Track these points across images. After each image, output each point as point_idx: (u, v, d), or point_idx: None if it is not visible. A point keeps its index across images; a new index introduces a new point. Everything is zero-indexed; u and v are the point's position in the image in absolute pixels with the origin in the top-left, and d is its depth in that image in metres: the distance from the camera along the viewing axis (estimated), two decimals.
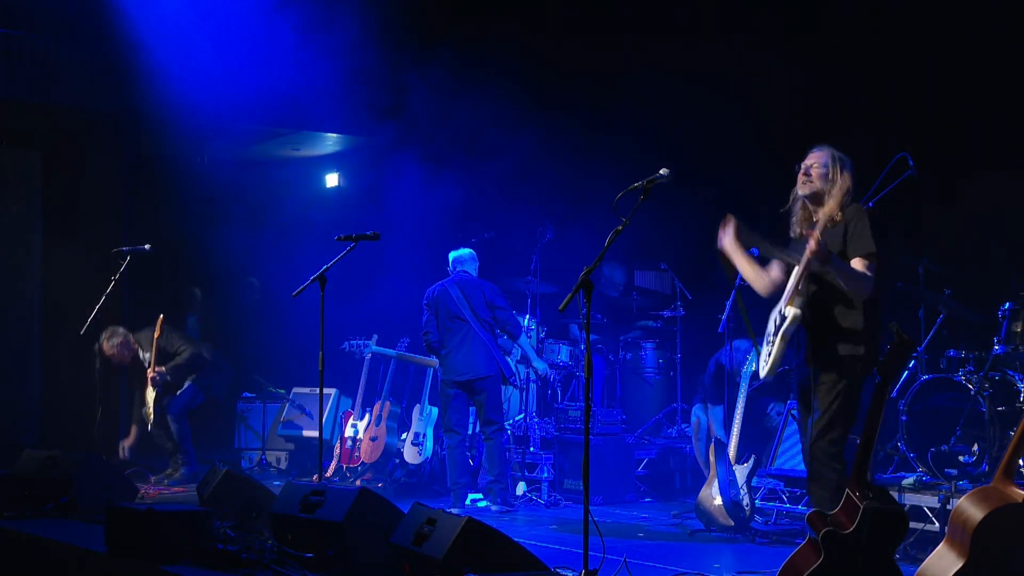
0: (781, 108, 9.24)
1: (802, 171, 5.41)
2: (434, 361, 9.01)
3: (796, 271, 5.29)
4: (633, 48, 9.99)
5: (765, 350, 5.40)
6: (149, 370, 9.21)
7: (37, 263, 11.02)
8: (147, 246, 8.91)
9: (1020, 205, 7.79)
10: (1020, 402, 6.48)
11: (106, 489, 6.98)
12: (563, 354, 9.44)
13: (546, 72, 10.15)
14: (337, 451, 9.73)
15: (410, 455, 9.28)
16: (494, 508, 8.16)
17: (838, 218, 5.29)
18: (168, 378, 9.21)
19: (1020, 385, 6.52)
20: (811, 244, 5.06)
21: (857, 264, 5.20)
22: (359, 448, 9.55)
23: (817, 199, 5.39)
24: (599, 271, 5.30)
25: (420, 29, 10.21)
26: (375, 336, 9.89)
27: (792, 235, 5.51)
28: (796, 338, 5.36)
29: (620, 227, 4.87)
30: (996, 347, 6.72)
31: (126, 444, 9.53)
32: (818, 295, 5.27)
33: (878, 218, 5.71)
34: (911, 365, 7.26)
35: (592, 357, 6.98)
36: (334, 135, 11.46)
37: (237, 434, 10.73)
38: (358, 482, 9.36)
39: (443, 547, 4.69)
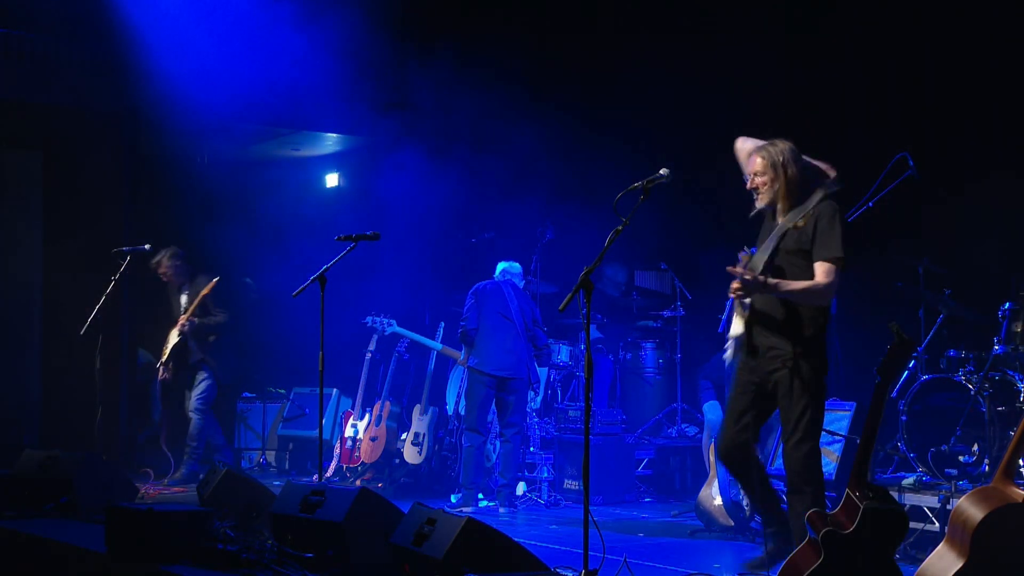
0: (782, 108, 9.24)
1: (748, 184, 5.37)
2: (456, 352, 9.02)
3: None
4: (633, 48, 9.99)
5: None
6: (183, 316, 9.25)
7: (37, 263, 11.00)
8: (147, 246, 8.92)
9: (1020, 205, 7.79)
10: (1020, 402, 6.47)
11: (106, 489, 6.98)
12: (563, 354, 9.45)
13: (546, 72, 10.15)
14: (337, 451, 9.73)
15: (410, 455, 9.28)
16: (502, 510, 8.17)
17: (801, 223, 5.19)
18: (194, 327, 9.25)
19: (1020, 385, 6.52)
20: (734, 285, 5.07)
21: (818, 269, 5.11)
22: (359, 448, 9.55)
23: (773, 206, 5.35)
24: (602, 271, 5.32)
25: (420, 29, 10.21)
26: (376, 336, 9.89)
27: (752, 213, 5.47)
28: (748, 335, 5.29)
29: (620, 227, 4.88)
30: (996, 347, 6.71)
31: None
32: (770, 300, 5.19)
33: (876, 215, 5.69)
34: (911, 365, 7.26)
35: (594, 357, 6.99)
36: (334, 135, 11.45)
37: (237, 434, 10.73)
38: (358, 482, 9.36)
39: (443, 547, 4.69)
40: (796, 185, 5.29)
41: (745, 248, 5.40)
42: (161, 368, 9.49)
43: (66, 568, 5.88)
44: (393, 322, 9.48)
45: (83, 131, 10.67)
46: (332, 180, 12.52)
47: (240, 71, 9.46)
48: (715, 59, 9.49)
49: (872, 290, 8.34)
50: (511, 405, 8.32)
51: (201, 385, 9.40)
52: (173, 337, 9.38)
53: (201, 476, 7.32)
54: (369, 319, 9.55)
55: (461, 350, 8.68)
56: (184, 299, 9.46)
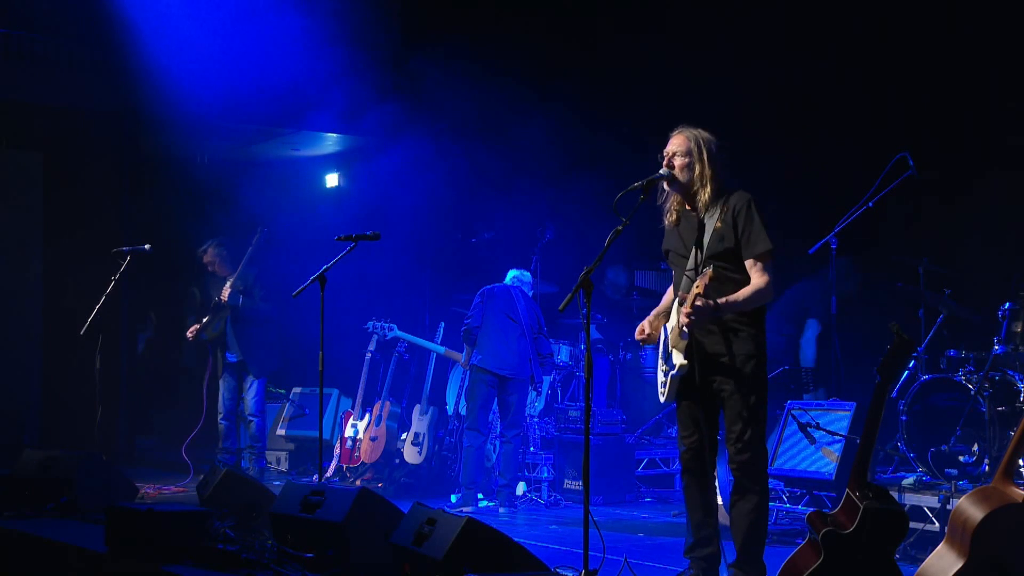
0: (782, 107, 9.25)
1: (664, 162, 5.15)
2: (458, 355, 9.04)
3: (675, 318, 5.05)
4: (635, 47, 9.99)
5: (660, 377, 5.21)
6: (226, 287, 9.29)
7: (37, 263, 11.02)
8: (147, 246, 8.91)
9: (1020, 205, 7.79)
10: (1020, 402, 6.47)
11: (106, 489, 6.99)
12: (563, 354, 9.44)
13: (547, 72, 10.15)
14: (337, 451, 9.73)
15: (410, 455, 9.28)
16: (502, 510, 8.17)
17: (719, 224, 5.03)
18: (240, 300, 9.25)
19: (1020, 385, 6.52)
20: (683, 320, 4.90)
21: (753, 269, 5.00)
22: (359, 448, 9.55)
23: (685, 191, 5.15)
24: (602, 273, 5.28)
25: (420, 29, 10.21)
26: (373, 337, 9.89)
27: (665, 224, 5.29)
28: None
29: (620, 227, 4.87)
30: (996, 347, 6.71)
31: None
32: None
33: (876, 215, 5.64)
34: (911, 365, 7.26)
35: (594, 357, 6.99)
36: (334, 135, 11.45)
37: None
38: (358, 482, 9.36)
39: (443, 547, 4.69)
40: (716, 176, 5.09)
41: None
42: (193, 330, 9.47)
43: (66, 568, 5.88)
44: (394, 326, 9.48)
45: (83, 131, 10.68)
46: (332, 180, 12.52)
47: (240, 71, 9.46)
48: (716, 59, 9.50)
49: (872, 290, 8.34)
50: (513, 405, 8.33)
51: (252, 389, 9.42)
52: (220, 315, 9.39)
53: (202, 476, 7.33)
54: (370, 324, 9.56)
55: (463, 352, 8.69)
56: (229, 289, 9.43)
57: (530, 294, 8.69)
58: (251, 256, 9.38)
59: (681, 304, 5.03)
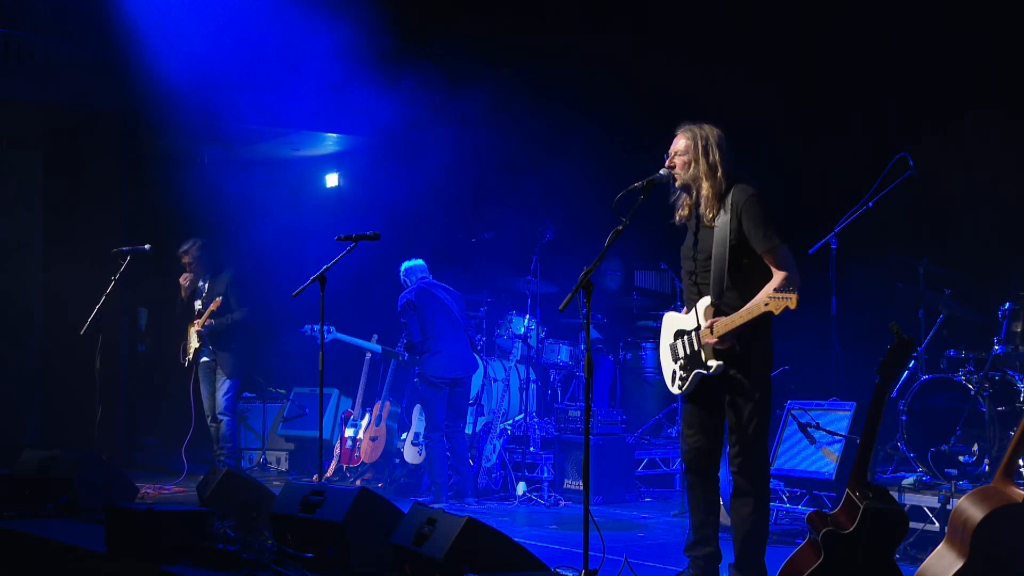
0: (781, 107, 9.25)
1: (667, 161, 5.14)
2: (395, 352, 9.05)
3: (702, 319, 5.05)
4: (634, 48, 9.99)
5: (672, 369, 5.20)
6: (199, 320, 9.20)
7: (37, 263, 11.02)
8: (147, 246, 8.91)
9: (1020, 204, 7.78)
10: (1020, 402, 6.48)
11: (106, 489, 6.99)
12: (563, 354, 9.44)
13: (546, 70, 10.16)
14: (337, 451, 9.74)
15: (410, 455, 9.28)
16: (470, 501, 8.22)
17: (724, 217, 5.00)
18: (211, 329, 9.17)
19: (1020, 385, 6.52)
20: (712, 342, 4.94)
21: (775, 265, 4.94)
22: (359, 448, 9.56)
23: (687, 190, 5.13)
24: (599, 274, 5.27)
25: (419, 28, 10.21)
26: (375, 336, 9.90)
27: (675, 221, 5.27)
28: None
29: (620, 227, 4.87)
30: (996, 347, 6.72)
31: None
32: (721, 304, 5.02)
33: (876, 215, 5.64)
34: (911, 365, 7.26)
35: (594, 357, 7.01)
36: (334, 135, 11.46)
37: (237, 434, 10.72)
38: (358, 482, 9.36)
39: (443, 547, 4.70)
40: (718, 173, 5.04)
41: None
42: (185, 362, 9.45)
43: (66, 568, 5.88)
44: (332, 329, 9.44)
45: (84, 131, 10.69)
46: (332, 180, 12.53)
47: (240, 71, 9.47)
48: (716, 60, 9.50)
49: (872, 290, 8.35)
50: (463, 401, 8.51)
51: (223, 387, 9.33)
52: (194, 339, 9.32)
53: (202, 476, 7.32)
54: (307, 327, 9.54)
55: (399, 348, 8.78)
56: (205, 287, 9.40)
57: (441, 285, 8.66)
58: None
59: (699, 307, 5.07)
